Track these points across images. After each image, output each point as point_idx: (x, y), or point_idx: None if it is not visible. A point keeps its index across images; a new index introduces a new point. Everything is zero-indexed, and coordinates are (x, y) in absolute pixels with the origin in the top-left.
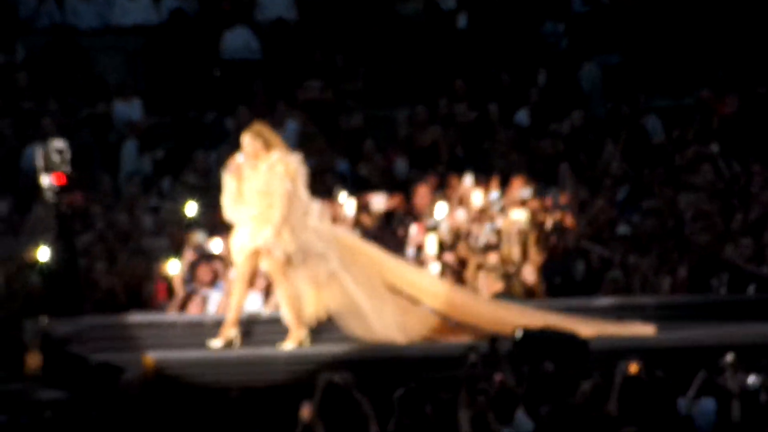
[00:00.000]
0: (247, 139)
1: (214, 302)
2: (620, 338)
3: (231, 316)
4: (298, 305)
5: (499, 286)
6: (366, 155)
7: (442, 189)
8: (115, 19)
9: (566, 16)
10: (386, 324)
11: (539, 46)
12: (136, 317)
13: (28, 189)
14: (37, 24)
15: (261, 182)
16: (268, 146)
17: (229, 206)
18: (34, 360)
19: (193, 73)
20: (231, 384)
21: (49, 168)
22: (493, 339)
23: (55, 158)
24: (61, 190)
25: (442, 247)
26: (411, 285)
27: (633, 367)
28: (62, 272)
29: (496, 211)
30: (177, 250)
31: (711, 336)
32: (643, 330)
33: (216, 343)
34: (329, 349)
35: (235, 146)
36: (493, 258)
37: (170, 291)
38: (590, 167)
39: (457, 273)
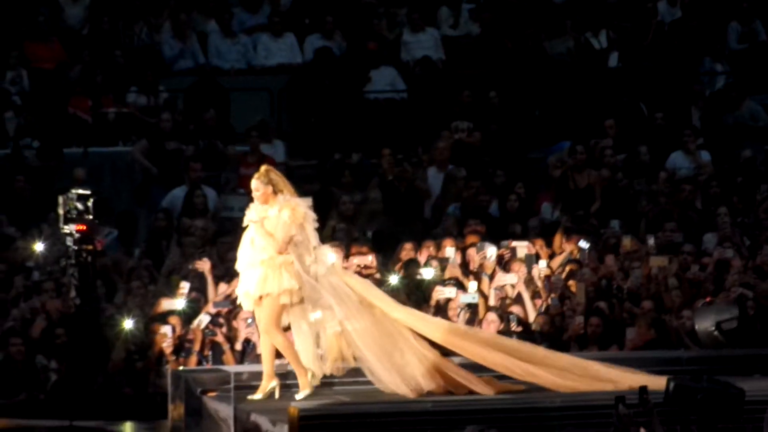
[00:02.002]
0: (255, 183)
1: None
2: None
3: (266, 368)
4: (295, 352)
5: (651, 333)
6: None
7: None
8: (259, 60)
9: (723, 54)
10: (394, 379)
11: (693, 84)
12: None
13: (164, 231)
14: (180, 65)
15: (270, 226)
16: (276, 190)
17: (240, 255)
18: (177, 410)
19: (338, 113)
20: None
21: (69, 218)
22: (643, 389)
23: (78, 207)
24: (82, 239)
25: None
26: (422, 334)
27: None
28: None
29: (644, 256)
30: None
31: None
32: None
33: (256, 396)
34: (475, 399)
35: (381, 188)
36: (646, 305)
37: None
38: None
39: (607, 320)
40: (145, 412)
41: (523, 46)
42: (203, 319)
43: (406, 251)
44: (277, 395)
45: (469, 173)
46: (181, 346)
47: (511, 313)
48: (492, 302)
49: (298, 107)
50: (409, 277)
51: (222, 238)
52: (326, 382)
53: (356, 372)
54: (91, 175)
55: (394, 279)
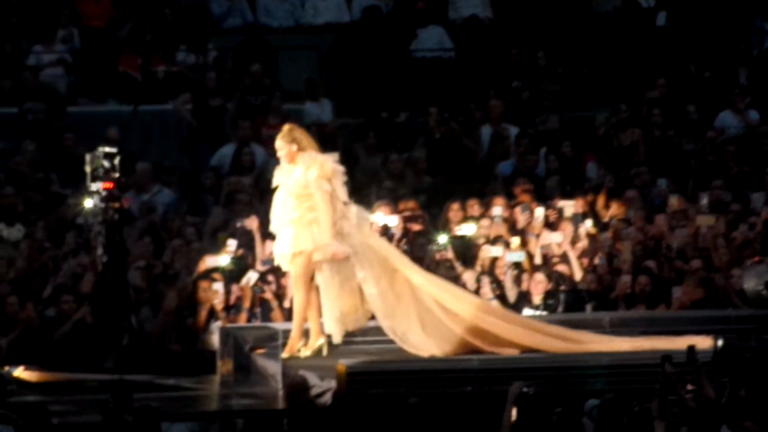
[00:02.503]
0: (279, 143)
1: None
2: None
3: (312, 326)
4: (304, 317)
5: (699, 293)
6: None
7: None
8: (307, 18)
9: None
10: (412, 338)
11: (741, 43)
12: None
13: (212, 189)
14: (228, 23)
15: (299, 185)
16: (300, 148)
17: (274, 222)
18: (226, 366)
19: (385, 72)
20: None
21: (96, 176)
22: (691, 348)
23: (105, 165)
24: (109, 197)
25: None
26: (441, 302)
27: None
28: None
29: (692, 215)
30: None
31: None
32: (702, 342)
33: (305, 353)
34: (521, 358)
35: (429, 148)
36: (694, 264)
37: None
38: None
39: (655, 279)
40: (193, 367)
41: (571, 5)
42: (252, 277)
43: (454, 211)
44: (324, 352)
45: (519, 132)
46: (230, 304)
47: (557, 272)
48: (538, 261)
49: (345, 66)
50: (456, 236)
51: (270, 196)
52: (348, 341)
53: (377, 331)
54: (141, 133)
55: (442, 238)
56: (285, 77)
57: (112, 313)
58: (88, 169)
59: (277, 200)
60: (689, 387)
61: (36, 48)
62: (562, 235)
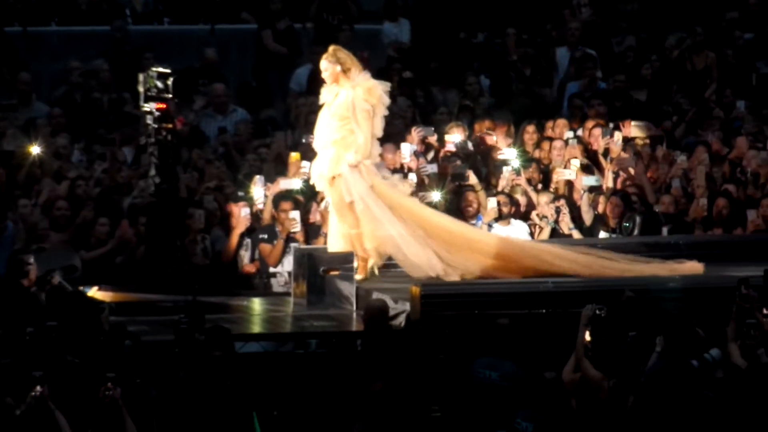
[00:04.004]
0: (324, 63)
1: None
2: None
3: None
4: (361, 235)
5: None
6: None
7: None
8: None
9: None
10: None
11: None
12: None
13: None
14: None
15: (343, 107)
16: (346, 69)
17: (317, 140)
18: (300, 288)
19: None
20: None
21: (149, 96)
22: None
23: (158, 85)
24: (162, 117)
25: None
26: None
27: None
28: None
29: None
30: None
31: None
32: (692, 268)
33: (358, 276)
34: (594, 282)
35: (504, 69)
36: None
37: None
38: None
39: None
40: (267, 288)
41: None
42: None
43: (529, 134)
44: (376, 272)
45: (597, 54)
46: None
47: (633, 194)
48: (609, 184)
49: None
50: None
51: None
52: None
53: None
54: (219, 53)
55: (515, 163)
56: None
57: (164, 236)
58: (141, 89)
59: (320, 120)
60: (765, 311)
61: None
62: (634, 158)
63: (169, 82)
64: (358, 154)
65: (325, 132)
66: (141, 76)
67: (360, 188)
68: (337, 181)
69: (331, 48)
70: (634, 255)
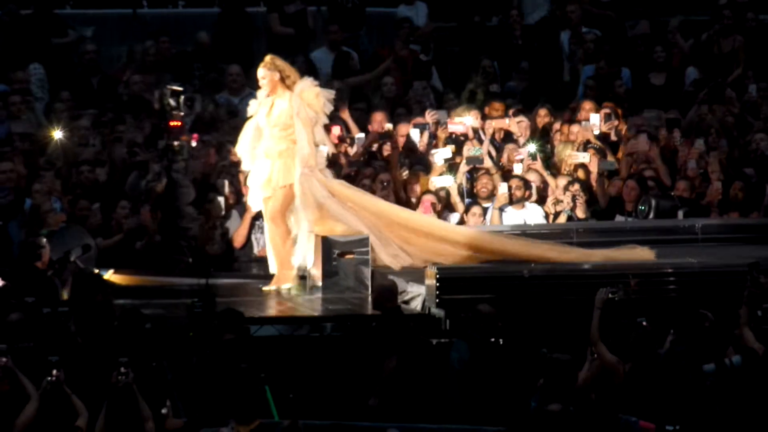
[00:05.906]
0: (262, 71)
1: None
2: None
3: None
4: (285, 248)
5: None
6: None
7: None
8: None
9: None
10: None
11: None
12: None
13: None
14: None
15: (284, 115)
16: (285, 77)
17: (244, 151)
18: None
19: None
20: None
21: (164, 113)
22: None
23: (171, 103)
24: (176, 133)
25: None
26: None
27: None
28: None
29: None
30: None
31: None
32: (642, 254)
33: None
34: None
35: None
36: None
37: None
38: None
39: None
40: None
41: None
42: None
43: (541, 117)
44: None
45: (603, 36)
46: None
47: (648, 178)
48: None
49: None
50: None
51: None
52: None
53: None
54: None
55: (531, 147)
56: None
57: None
58: (156, 106)
59: (246, 132)
60: None
61: None
62: (648, 141)
63: (181, 99)
64: (311, 161)
65: (267, 143)
66: (156, 93)
67: (319, 193)
68: (280, 191)
69: (269, 57)
70: None
